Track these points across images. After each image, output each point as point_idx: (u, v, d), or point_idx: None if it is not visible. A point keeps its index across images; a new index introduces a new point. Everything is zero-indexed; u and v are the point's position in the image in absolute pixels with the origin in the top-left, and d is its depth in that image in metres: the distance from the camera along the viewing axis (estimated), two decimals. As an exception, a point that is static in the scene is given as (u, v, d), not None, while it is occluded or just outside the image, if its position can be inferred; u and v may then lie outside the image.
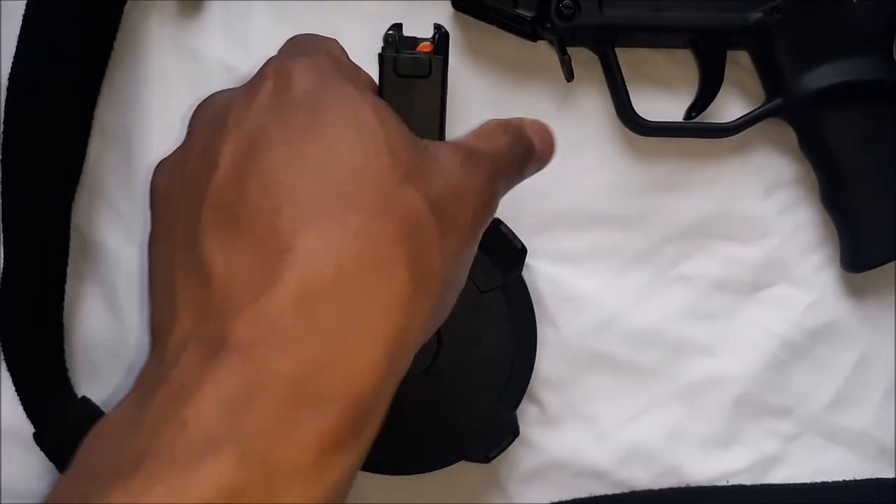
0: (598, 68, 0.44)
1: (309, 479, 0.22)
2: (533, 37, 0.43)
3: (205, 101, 0.30)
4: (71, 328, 0.44)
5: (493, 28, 0.44)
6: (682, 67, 0.45)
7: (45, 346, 0.43)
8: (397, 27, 0.38)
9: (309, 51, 0.30)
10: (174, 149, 0.30)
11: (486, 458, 0.41)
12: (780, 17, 0.41)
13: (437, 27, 0.37)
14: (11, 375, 0.42)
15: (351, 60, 0.32)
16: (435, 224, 0.25)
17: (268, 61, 0.30)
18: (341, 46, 0.32)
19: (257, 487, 0.21)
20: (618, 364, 0.44)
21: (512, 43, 0.44)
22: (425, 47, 0.36)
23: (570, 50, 0.43)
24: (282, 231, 0.24)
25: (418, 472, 0.41)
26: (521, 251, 0.41)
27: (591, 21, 0.42)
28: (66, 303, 0.43)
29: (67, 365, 0.44)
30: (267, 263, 0.23)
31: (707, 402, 0.44)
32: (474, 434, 0.41)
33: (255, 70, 0.43)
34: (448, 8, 0.44)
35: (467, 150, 0.28)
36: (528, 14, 0.42)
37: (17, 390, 0.42)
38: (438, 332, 0.39)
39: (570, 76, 0.43)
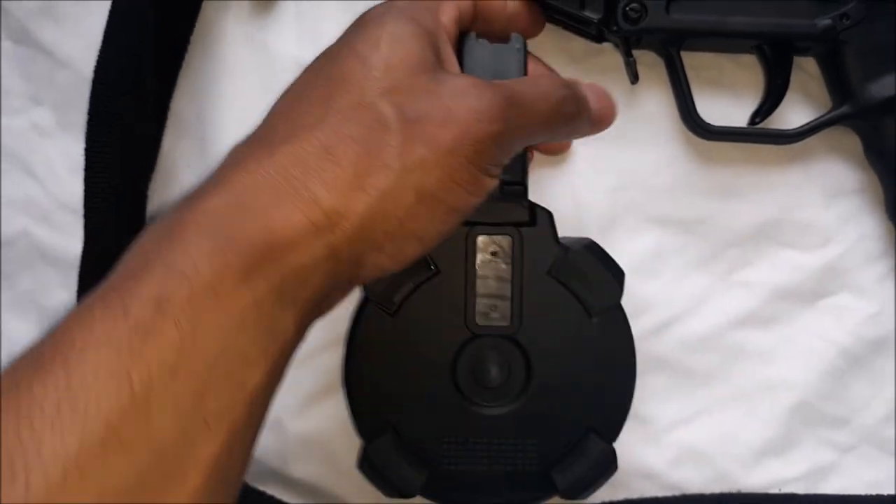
0: (663, 71, 0.44)
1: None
2: (598, 38, 0.44)
3: None
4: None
5: (558, 28, 0.44)
6: (748, 72, 0.45)
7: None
8: None
9: None
10: None
11: (582, 496, 0.39)
12: (848, 23, 0.41)
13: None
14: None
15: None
16: (400, 133, 0.29)
17: None
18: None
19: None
20: (675, 367, 0.45)
21: (576, 44, 0.45)
22: None
23: (634, 52, 0.43)
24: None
25: None
26: (622, 274, 0.40)
27: (658, 25, 0.42)
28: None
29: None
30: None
31: (763, 409, 0.44)
32: (571, 470, 0.39)
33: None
34: (515, 9, 0.44)
35: (484, 84, 0.31)
36: (594, 16, 0.42)
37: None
38: (529, 360, 0.39)
39: (634, 78, 0.44)
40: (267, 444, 0.45)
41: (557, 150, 0.44)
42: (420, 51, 0.31)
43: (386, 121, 0.29)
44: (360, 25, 0.33)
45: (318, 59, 0.33)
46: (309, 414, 0.45)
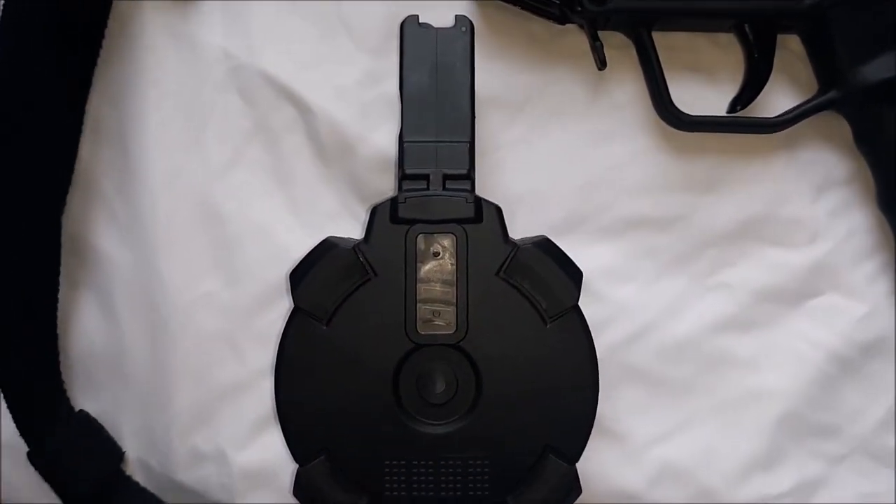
0: (633, 53, 0.40)
1: None
2: (561, 20, 0.40)
3: None
4: (66, 337, 0.42)
5: (517, 9, 0.40)
6: (727, 52, 0.41)
7: (39, 358, 0.40)
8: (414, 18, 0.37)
9: None
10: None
11: None
12: (837, -1, 0.37)
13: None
14: (3, 392, 0.40)
15: None
16: None
17: None
18: None
19: None
20: (651, 378, 0.41)
21: (539, 26, 0.41)
22: None
23: (602, 34, 0.39)
24: None
25: None
26: (579, 273, 0.36)
27: (626, 4, 0.38)
28: (59, 311, 0.41)
29: (64, 376, 0.41)
30: None
31: (747, 420, 0.41)
32: (528, 496, 0.35)
33: (256, 58, 0.40)
34: (468, -11, 0.40)
35: None
36: (555, -4, 0.38)
37: (9, 407, 0.40)
38: (478, 371, 0.35)
39: (602, 64, 0.39)
40: (210, 477, 0.41)
41: None
42: None
43: None
44: None
45: None
46: (254, 444, 0.41)
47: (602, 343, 0.41)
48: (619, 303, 0.41)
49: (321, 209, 0.41)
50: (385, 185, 0.41)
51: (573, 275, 0.35)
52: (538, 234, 0.39)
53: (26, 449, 0.40)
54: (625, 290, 0.41)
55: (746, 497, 0.41)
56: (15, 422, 0.40)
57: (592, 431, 0.38)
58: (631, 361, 0.41)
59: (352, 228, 0.41)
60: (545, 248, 0.35)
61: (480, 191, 0.39)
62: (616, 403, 0.41)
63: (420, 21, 0.36)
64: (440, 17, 0.38)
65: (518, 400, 0.35)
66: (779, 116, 0.39)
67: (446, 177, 0.36)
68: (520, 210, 0.41)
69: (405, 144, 0.36)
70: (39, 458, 0.40)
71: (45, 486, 0.40)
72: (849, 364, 0.41)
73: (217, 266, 0.41)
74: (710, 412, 0.41)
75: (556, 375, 0.35)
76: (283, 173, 0.41)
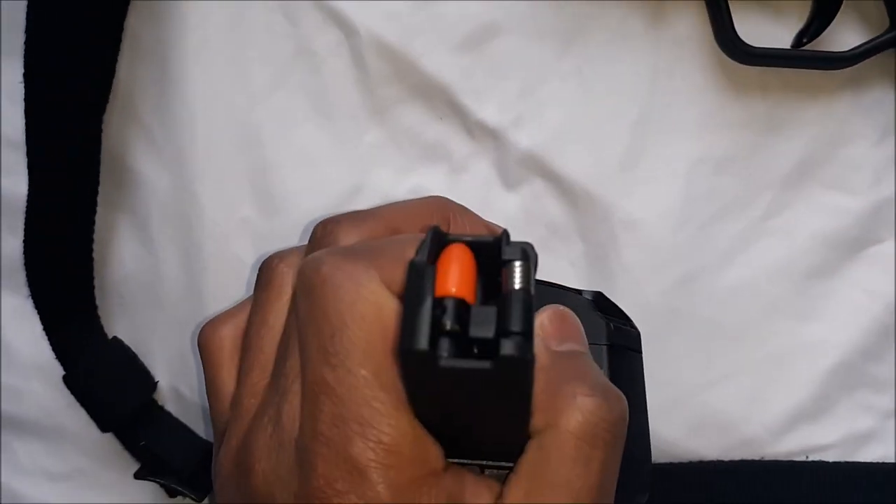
0: (694, -18, 0.38)
1: None
2: (621, -55, 0.38)
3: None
4: (100, 261, 0.41)
5: (575, -63, 0.38)
6: (793, -12, 0.39)
7: (74, 280, 0.40)
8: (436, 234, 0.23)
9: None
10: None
11: None
12: (916, -73, 0.35)
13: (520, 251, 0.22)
14: (38, 312, 0.39)
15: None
16: None
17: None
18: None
19: None
20: (699, 324, 0.40)
21: (595, -50, 0.39)
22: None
23: (662, -38, 0.38)
24: None
25: None
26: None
27: (692, -72, 0.36)
28: (95, 234, 0.40)
29: (98, 300, 0.40)
30: None
31: (797, 370, 0.40)
32: None
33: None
34: None
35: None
36: (618, -82, 0.36)
37: (44, 328, 0.39)
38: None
39: (662, -8, 0.38)
40: None
41: None
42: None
43: None
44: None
45: None
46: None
47: (653, 287, 0.40)
48: (672, 245, 0.40)
49: (364, 139, 0.40)
50: (432, 116, 0.39)
51: None
52: (593, 173, 0.38)
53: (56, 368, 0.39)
54: (679, 232, 0.40)
55: (790, 447, 0.40)
56: (50, 343, 0.39)
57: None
58: (680, 307, 0.40)
59: (395, 160, 0.40)
60: None
61: (529, 125, 0.38)
62: (661, 349, 0.40)
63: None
64: None
65: None
66: (846, 51, 0.37)
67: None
68: (571, 145, 0.39)
69: None
70: (74, 383, 0.39)
71: (74, 404, 0.40)
72: (908, 315, 0.40)
73: (255, 193, 0.40)
74: (759, 361, 0.40)
75: None
76: (326, 100, 0.40)
